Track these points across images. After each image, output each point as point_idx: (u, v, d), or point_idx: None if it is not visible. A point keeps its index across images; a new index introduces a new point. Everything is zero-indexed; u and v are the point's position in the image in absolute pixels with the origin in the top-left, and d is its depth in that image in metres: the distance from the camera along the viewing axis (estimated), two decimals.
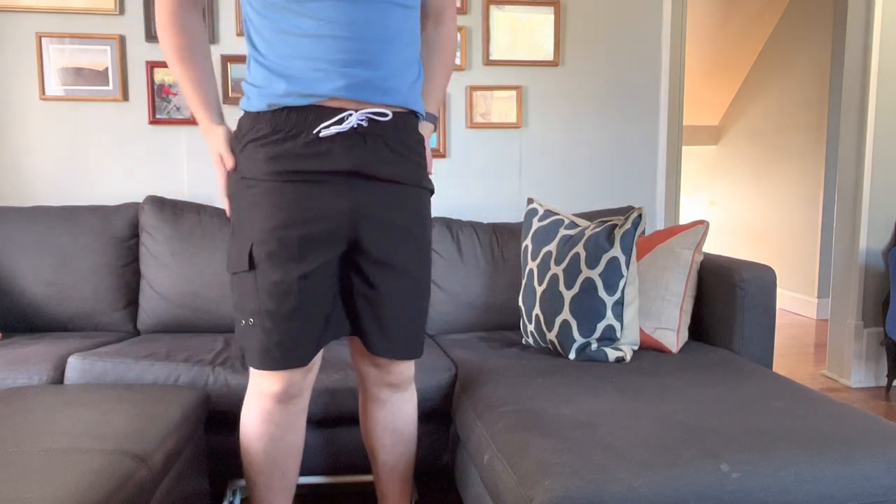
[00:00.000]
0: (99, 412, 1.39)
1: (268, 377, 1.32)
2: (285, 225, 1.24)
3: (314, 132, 1.23)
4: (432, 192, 1.42)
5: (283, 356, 1.28)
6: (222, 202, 1.37)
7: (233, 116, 2.57)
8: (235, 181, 1.30)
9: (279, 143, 1.24)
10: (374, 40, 1.23)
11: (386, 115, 1.26)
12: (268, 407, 1.35)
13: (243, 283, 1.28)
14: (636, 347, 1.90)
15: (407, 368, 1.44)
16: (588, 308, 1.81)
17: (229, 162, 1.33)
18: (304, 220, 1.24)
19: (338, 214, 1.26)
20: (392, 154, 1.29)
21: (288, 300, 1.25)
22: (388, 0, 1.23)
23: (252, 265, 1.26)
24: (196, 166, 2.57)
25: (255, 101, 1.26)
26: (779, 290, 4.79)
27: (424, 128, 1.43)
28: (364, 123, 1.25)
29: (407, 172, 1.32)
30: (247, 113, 1.29)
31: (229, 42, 2.53)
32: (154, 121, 2.52)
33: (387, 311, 1.34)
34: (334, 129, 1.23)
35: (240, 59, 2.53)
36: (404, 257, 1.33)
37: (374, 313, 1.34)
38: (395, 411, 1.48)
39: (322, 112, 1.23)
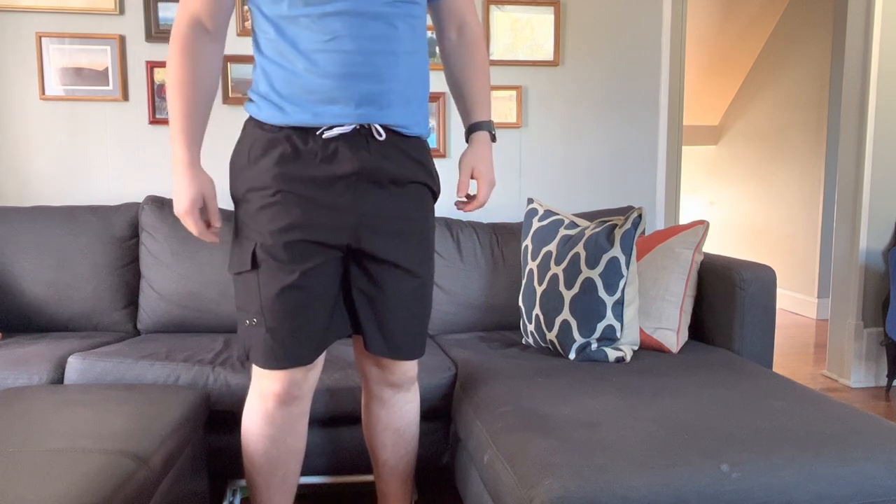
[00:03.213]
0: (99, 412, 1.39)
1: (269, 377, 1.32)
2: (290, 228, 1.24)
3: (317, 133, 1.24)
4: (436, 196, 1.41)
5: (287, 355, 1.29)
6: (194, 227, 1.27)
7: (233, 117, 2.57)
8: (243, 190, 1.30)
9: (286, 151, 1.25)
10: (379, 53, 1.23)
11: (381, 134, 1.26)
12: (269, 408, 1.35)
13: (246, 283, 1.28)
14: (636, 347, 1.90)
15: (409, 368, 1.44)
16: (588, 308, 1.81)
17: (214, 219, 1.29)
18: (308, 224, 1.25)
19: (343, 221, 1.27)
20: (396, 151, 1.30)
21: (291, 300, 1.25)
22: (394, 13, 1.23)
23: (255, 265, 1.26)
24: None
25: (263, 111, 1.27)
26: (779, 290, 4.79)
27: (481, 139, 1.41)
28: (365, 124, 1.26)
29: (412, 170, 1.32)
30: (251, 118, 1.30)
31: (229, 42, 2.53)
32: (154, 121, 2.52)
33: (389, 311, 1.34)
34: (337, 131, 1.24)
35: (240, 59, 2.53)
36: (410, 258, 1.33)
37: (375, 313, 1.34)
38: (396, 411, 1.48)
39: None
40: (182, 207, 1.25)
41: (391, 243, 1.30)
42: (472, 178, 1.41)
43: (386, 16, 1.23)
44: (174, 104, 1.26)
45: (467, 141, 1.44)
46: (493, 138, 1.44)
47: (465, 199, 1.43)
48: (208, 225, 1.31)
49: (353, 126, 1.24)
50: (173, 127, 1.26)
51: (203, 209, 1.29)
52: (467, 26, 1.44)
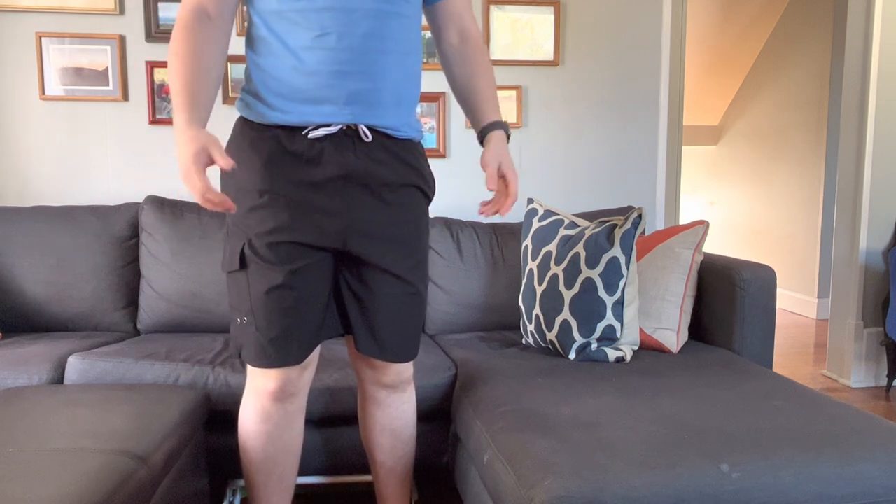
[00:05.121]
0: (99, 412, 1.39)
1: (264, 375, 1.32)
2: (277, 230, 1.24)
3: (303, 133, 1.23)
4: (430, 198, 1.40)
5: (278, 354, 1.29)
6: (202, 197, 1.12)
7: (233, 116, 2.57)
8: (233, 189, 1.29)
9: (274, 152, 1.24)
10: (370, 51, 1.22)
11: (367, 136, 1.25)
12: (265, 405, 1.36)
13: (237, 283, 1.28)
14: (636, 347, 1.90)
15: (404, 370, 1.44)
16: (588, 308, 1.81)
17: (222, 162, 1.11)
18: (295, 226, 1.24)
19: (331, 224, 1.26)
20: (386, 154, 1.29)
21: (280, 301, 1.25)
22: (385, 10, 1.22)
23: (243, 265, 1.26)
24: None
25: (252, 109, 1.26)
26: (779, 290, 4.79)
27: (498, 138, 1.34)
28: (352, 125, 1.25)
29: (402, 173, 1.31)
30: (241, 117, 1.30)
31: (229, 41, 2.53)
32: (154, 121, 2.52)
33: (379, 314, 1.33)
34: (322, 132, 1.23)
35: (240, 59, 2.53)
36: (400, 264, 1.32)
37: (365, 315, 1.34)
38: (392, 412, 1.48)
39: None
40: (183, 166, 1.11)
41: (381, 248, 1.29)
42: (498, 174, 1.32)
43: (377, 13, 1.21)
44: (175, 77, 1.18)
45: (481, 142, 1.38)
46: (508, 138, 1.40)
47: (489, 204, 1.34)
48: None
49: (339, 127, 1.23)
50: (174, 97, 1.17)
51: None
52: (468, 31, 1.42)
